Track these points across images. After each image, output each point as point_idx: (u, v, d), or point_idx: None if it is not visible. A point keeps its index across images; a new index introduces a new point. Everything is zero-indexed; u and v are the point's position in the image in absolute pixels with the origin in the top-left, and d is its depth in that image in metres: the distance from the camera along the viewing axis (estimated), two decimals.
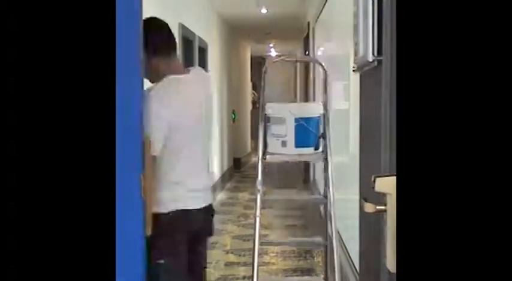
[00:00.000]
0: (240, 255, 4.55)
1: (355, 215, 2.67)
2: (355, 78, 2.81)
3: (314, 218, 5.84)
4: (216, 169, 7.37)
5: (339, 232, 4.10)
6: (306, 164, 7.93)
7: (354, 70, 2.36)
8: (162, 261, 2.00)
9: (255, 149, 3.21)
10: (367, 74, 2.09)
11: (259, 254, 2.51)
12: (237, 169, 9.78)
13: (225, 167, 8.41)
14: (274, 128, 2.60)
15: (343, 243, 3.78)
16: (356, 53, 2.07)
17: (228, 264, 4.33)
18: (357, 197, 2.54)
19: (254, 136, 12.09)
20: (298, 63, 10.67)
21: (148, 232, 1.76)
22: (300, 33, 8.94)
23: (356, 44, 2.04)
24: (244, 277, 4.01)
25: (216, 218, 6.28)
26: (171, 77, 2.09)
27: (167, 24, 2.19)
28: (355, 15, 2.02)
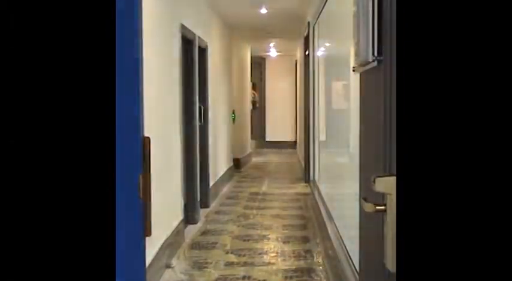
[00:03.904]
0: (240, 255, 4.55)
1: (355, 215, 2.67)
2: (355, 78, 2.81)
3: (313, 218, 5.84)
4: (218, 169, 7.37)
5: (339, 231, 4.10)
6: (306, 164, 7.94)
7: (354, 70, 2.36)
8: None
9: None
10: (367, 74, 2.09)
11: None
12: (237, 170, 9.78)
13: (225, 168, 8.41)
14: None
15: (343, 242, 3.78)
16: (356, 53, 2.06)
17: (228, 264, 4.32)
18: (357, 196, 2.53)
19: (254, 136, 12.10)
20: (298, 62, 10.90)
21: (149, 233, 1.76)
22: (300, 33, 8.94)
23: (356, 44, 2.03)
24: (244, 277, 4.00)
25: (216, 218, 6.27)
26: None
27: None
28: (355, 15, 2.02)
